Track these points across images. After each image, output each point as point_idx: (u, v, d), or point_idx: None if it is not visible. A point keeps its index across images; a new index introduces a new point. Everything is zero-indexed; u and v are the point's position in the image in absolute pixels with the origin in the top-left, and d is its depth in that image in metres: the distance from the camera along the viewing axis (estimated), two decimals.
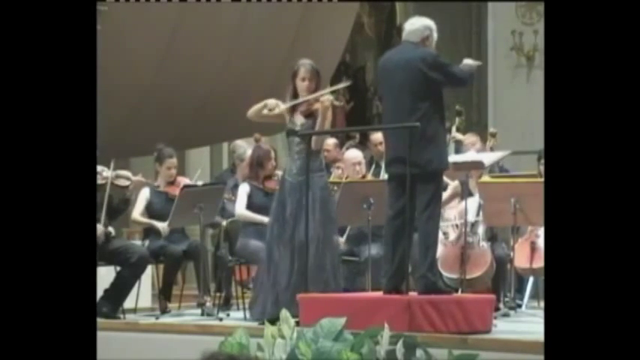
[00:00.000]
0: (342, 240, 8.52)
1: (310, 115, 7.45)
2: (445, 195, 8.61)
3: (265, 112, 7.56)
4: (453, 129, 10.92)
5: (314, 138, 7.40)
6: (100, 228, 7.96)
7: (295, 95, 7.51)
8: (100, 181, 8.07)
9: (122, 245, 8.23)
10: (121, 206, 8.34)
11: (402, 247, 6.76)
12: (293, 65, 7.64)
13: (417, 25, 6.96)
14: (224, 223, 8.84)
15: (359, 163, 8.90)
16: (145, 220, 8.62)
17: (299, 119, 7.51)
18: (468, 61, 7.05)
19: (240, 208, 8.48)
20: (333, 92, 7.65)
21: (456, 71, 6.90)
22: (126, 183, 8.29)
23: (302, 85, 7.48)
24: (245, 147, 9.65)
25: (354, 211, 7.94)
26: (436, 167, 6.78)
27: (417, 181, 6.70)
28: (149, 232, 8.66)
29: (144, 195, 8.64)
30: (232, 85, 11.04)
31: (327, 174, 10.21)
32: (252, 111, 7.62)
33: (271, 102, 7.53)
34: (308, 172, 7.34)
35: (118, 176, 8.24)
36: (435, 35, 6.98)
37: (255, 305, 7.60)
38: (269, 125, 7.83)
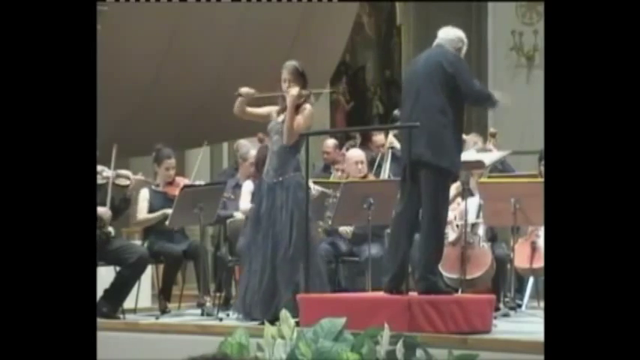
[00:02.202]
0: (350, 228, 8.51)
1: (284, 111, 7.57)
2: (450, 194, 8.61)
3: (248, 109, 7.66)
4: None
5: (285, 132, 7.47)
6: (107, 211, 7.96)
7: (283, 97, 7.62)
8: (100, 181, 8.07)
9: (122, 245, 8.23)
10: (121, 206, 8.34)
11: (405, 244, 6.76)
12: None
13: (451, 35, 7.03)
14: (235, 214, 8.82)
15: (361, 162, 8.90)
16: (154, 215, 8.56)
17: (280, 118, 7.62)
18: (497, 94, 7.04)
19: (244, 204, 8.51)
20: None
21: (475, 84, 6.88)
22: (126, 182, 8.29)
23: (284, 86, 7.62)
24: (248, 146, 9.66)
25: (354, 212, 7.94)
26: (446, 167, 6.75)
27: (425, 180, 6.69)
28: (149, 232, 8.66)
29: (144, 195, 8.63)
30: (232, 85, 11.01)
31: (325, 175, 10.28)
32: (235, 107, 7.67)
33: (243, 90, 7.60)
34: (307, 171, 7.41)
35: (118, 176, 8.24)
36: (465, 49, 7.02)
37: (238, 302, 7.64)
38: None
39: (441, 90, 6.72)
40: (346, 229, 8.54)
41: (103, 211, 8.00)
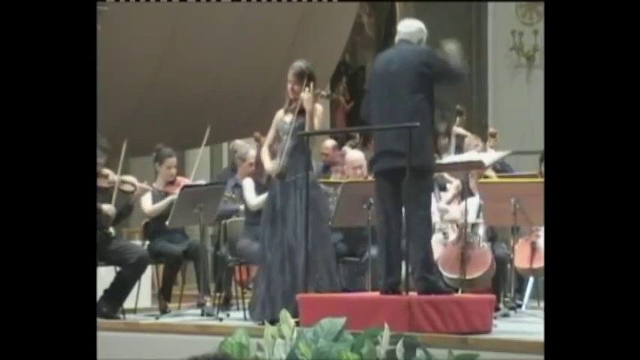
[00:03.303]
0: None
1: (301, 112, 7.55)
2: (449, 195, 8.62)
3: (266, 145, 7.79)
4: (454, 127, 10.93)
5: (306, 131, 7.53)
6: (112, 208, 7.96)
7: (289, 98, 7.68)
8: (106, 185, 8.07)
9: (122, 245, 8.23)
10: (124, 212, 8.34)
11: (396, 247, 6.77)
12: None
13: (412, 28, 7.06)
14: (239, 208, 8.82)
15: (360, 167, 8.87)
16: (160, 203, 8.54)
17: (288, 118, 7.63)
18: (450, 47, 7.07)
19: (253, 198, 8.51)
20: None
21: (451, 67, 6.91)
22: (130, 189, 8.27)
23: (289, 87, 7.66)
24: (247, 147, 9.67)
25: (354, 212, 7.94)
26: (423, 165, 6.76)
27: (413, 182, 6.68)
28: (149, 232, 8.66)
29: (146, 194, 8.63)
30: (232, 85, 11.04)
31: (326, 174, 10.29)
32: (265, 150, 7.83)
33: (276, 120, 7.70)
34: (308, 170, 7.44)
35: (123, 182, 8.22)
36: (425, 38, 7.09)
37: (254, 306, 7.62)
38: (269, 125, 7.89)
39: (419, 92, 6.74)
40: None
41: (107, 207, 8.01)
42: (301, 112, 7.56)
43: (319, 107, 7.61)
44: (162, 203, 8.51)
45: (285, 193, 7.49)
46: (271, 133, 7.77)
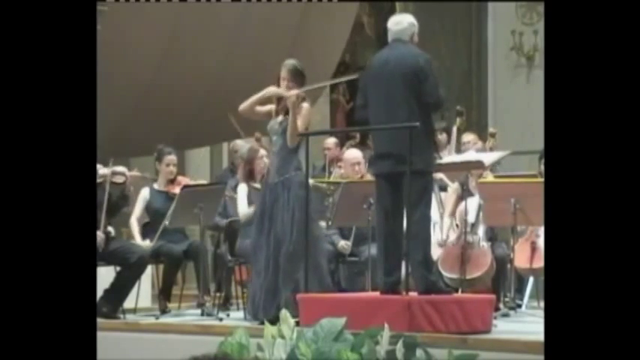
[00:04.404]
0: (348, 243, 8.50)
1: (287, 112, 7.51)
2: (451, 200, 8.58)
3: (257, 108, 7.61)
4: (454, 129, 10.92)
5: (288, 135, 7.46)
6: (99, 235, 7.94)
7: (278, 98, 7.59)
8: (97, 180, 8.05)
9: (122, 245, 8.23)
10: (120, 202, 8.32)
11: (396, 247, 6.77)
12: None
13: (404, 24, 6.98)
14: (225, 221, 8.83)
15: (358, 164, 8.90)
16: (135, 231, 8.59)
17: (278, 117, 7.59)
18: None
19: (244, 207, 8.52)
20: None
21: (440, 91, 6.83)
22: (122, 179, 8.26)
23: (282, 84, 7.57)
24: (247, 147, 9.68)
25: (354, 211, 7.94)
26: (423, 166, 6.76)
27: (413, 183, 6.68)
28: (149, 231, 8.66)
29: (142, 196, 8.65)
30: (232, 85, 11.03)
31: (327, 173, 10.29)
32: (247, 104, 7.65)
33: (271, 89, 7.57)
34: (307, 170, 7.42)
35: (114, 173, 8.21)
36: (417, 31, 7.01)
37: (248, 305, 7.64)
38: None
39: (417, 93, 6.72)
40: (344, 245, 8.49)
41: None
42: (287, 111, 7.53)
43: (305, 106, 7.54)
44: (138, 235, 8.57)
45: (273, 193, 7.47)
46: (266, 107, 7.69)
